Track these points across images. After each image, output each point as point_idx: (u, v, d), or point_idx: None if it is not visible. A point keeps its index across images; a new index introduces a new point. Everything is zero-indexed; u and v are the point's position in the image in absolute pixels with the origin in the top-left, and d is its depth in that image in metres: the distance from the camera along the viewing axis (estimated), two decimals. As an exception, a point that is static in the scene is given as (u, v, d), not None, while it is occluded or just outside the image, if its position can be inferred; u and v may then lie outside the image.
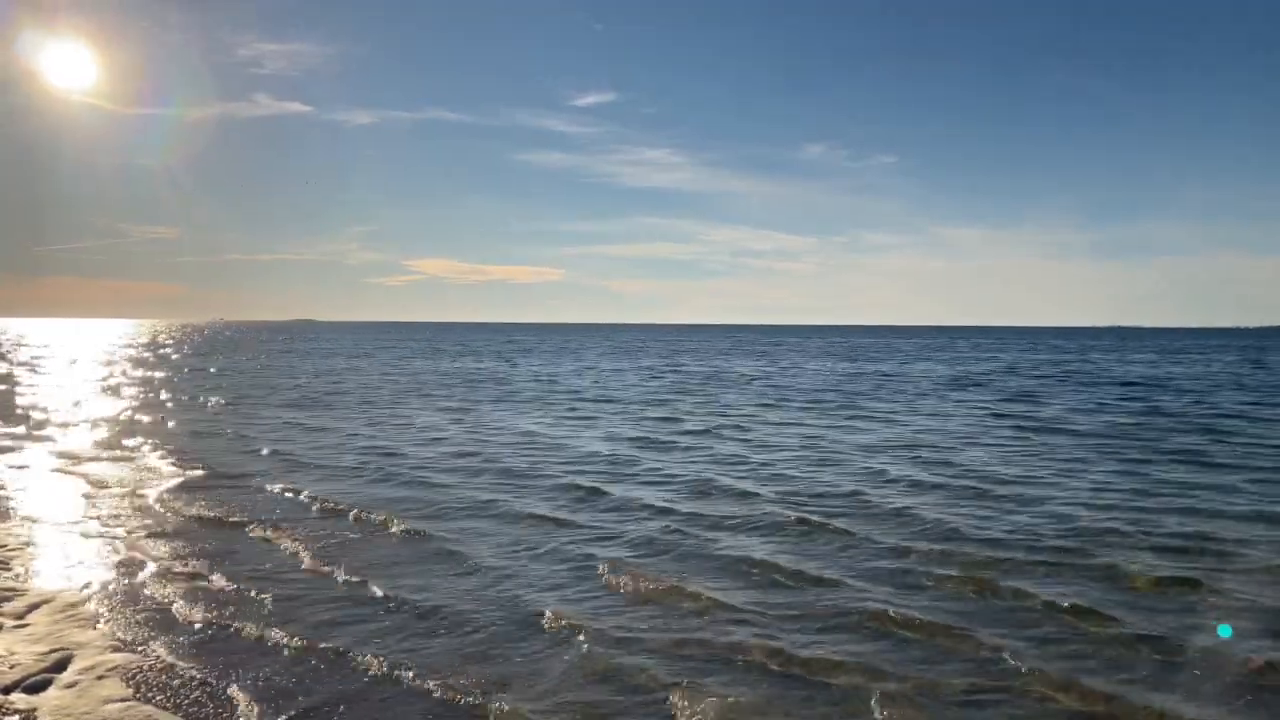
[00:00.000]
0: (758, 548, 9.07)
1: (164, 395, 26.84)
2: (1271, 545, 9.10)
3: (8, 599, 7.29)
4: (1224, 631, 6.69)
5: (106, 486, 12.15)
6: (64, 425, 19.08)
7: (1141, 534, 9.54)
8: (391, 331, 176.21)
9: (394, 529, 9.82)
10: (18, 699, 5.45)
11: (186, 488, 12.12)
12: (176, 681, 5.73)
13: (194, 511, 10.58)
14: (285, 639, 6.40)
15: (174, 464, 14.01)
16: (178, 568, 8.23)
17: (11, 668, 5.88)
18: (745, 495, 11.80)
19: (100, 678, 5.75)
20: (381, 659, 6.03)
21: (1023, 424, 20.20)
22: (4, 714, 5.23)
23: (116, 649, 6.27)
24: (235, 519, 10.23)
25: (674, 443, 16.95)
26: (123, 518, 10.26)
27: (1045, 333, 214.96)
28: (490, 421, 20.51)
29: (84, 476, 12.89)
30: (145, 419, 20.42)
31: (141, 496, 11.45)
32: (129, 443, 16.41)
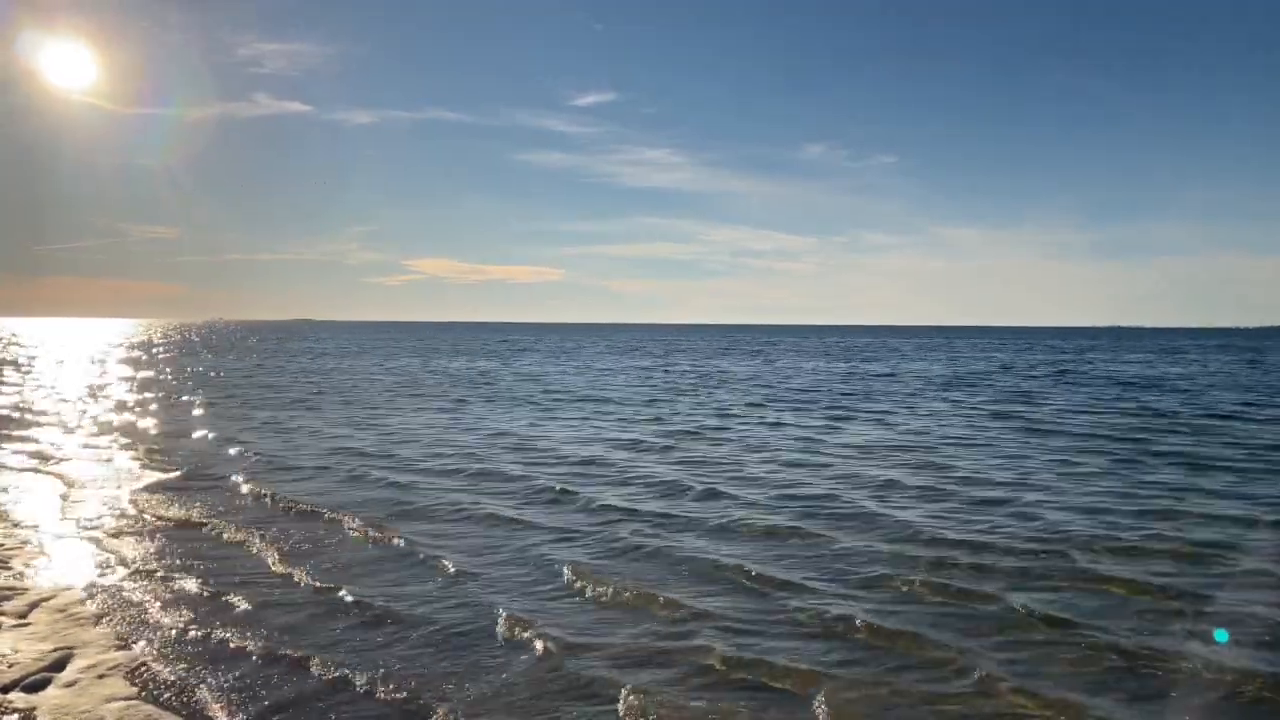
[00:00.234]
0: (725, 551, 8.94)
1: (147, 395, 26.70)
2: (1256, 551, 8.87)
3: (7, 598, 7.31)
4: (1220, 636, 6.56)
5: (84, 486, 12.09)
6: (44, 425, 18.93)
7: (1122, 538, 9.37)
8: (389, 331, 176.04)
9: (362, 531, 9.73)
10: (17, 697, 5.46)
11: (163, 488, 12.03)
12: (178, 681, 5.74)
13: (168, 512, 10.51)
14: (251, 644, 6.34)
15: (150, 464, 13.90)
16: (159, 569, 8.19)
17: (10, 666, 5.88)
18: (718, 497, 11.67)
19: (101, 676, 5.78)
20: (337, 663, 5.97)
21: (1012, 425, 20.04)
22: (4, 713, 5.24)
23: (117, 648, 6.29)
24: (210, 520, 10.14)
25: (655, 444, 16.76)
26: (105, 518, 10.22)
27: (1045, 333, 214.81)
28: (472, 422, 20.37)
29: (61, 476, 12.81)
30: (126, 419, 20.28)
31: (120, 497, 11.37)
32: (107, 442, 16.30)
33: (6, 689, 5.55)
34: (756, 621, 6.87)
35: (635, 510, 10.77)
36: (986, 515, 10.52)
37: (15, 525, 9.91)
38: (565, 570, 8.13)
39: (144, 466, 13.72)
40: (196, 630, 6.63)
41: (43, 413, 21.33)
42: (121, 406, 23.16)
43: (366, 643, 6.42)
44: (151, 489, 11.96)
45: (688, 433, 18.35)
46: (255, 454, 15.06)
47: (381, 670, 5.89)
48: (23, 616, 6.90)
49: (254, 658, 6.14)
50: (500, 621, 6.75)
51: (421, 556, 8.67)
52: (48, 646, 6.27)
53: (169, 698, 5.52)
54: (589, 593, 7.56)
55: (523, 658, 6.12)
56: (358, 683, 5.70)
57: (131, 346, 70.24)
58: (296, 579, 7.92)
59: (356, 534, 9.63)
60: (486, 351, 66.92)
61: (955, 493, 11.86)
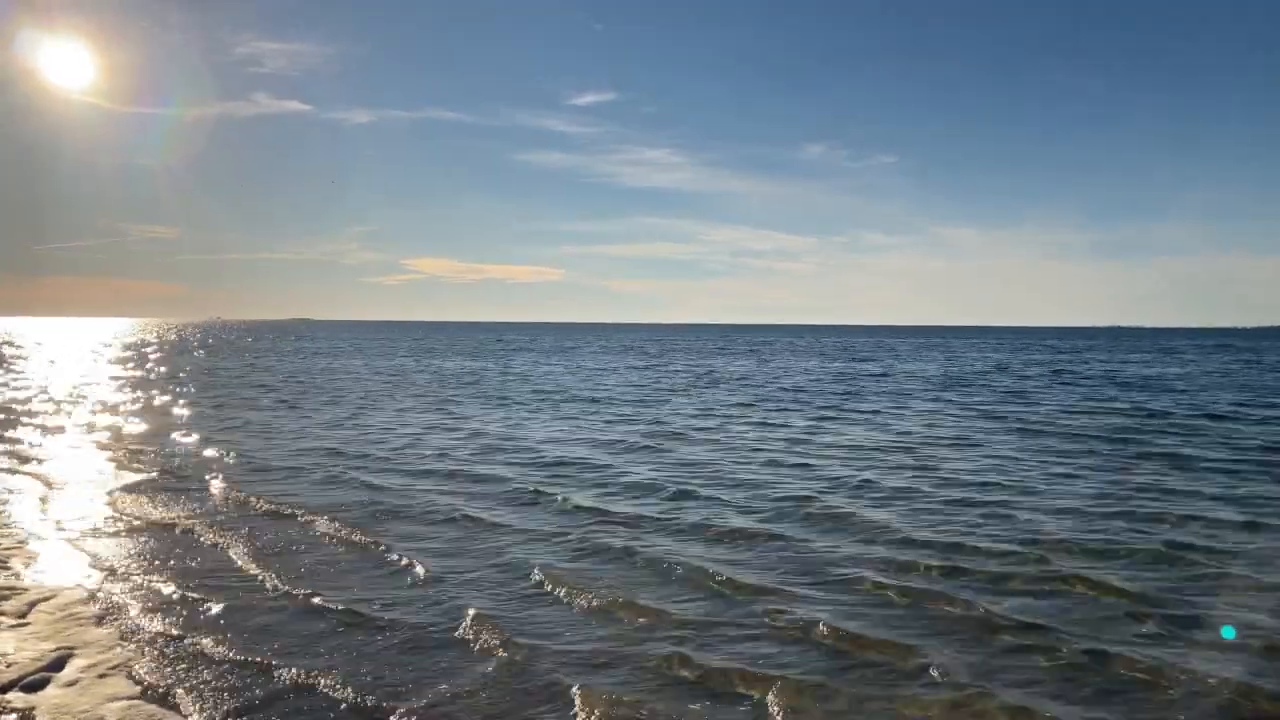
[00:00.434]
0: (695, 553, 8.85)
1: (132, 395, 26.61)
2: (1239, 555, 8.65)
3: (6, 597, 7.32)
4: (1228, 633, 6.47)
5: (66, 486, 12.05)
6: (26, 425, 18.82)
7: (1100, 541, 9.26)
8: (387, 331, 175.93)
9: (333, 532, 9.66)
10: (15, 697, 5.46)
11: (141, 489, 11.98)
12: (177, 680, 5.74)
13: (147, 514, 10.46)
14: (223, 648, 6.31)
15: (130, 465, 13.83)
16: (150, 569, 8.19)
17: (9, 666, 5.89)
18: (693, 498, 11.58)
19: (102, 676, 5.78)
20: (302, 666, 5.95)
21: (1002, 425, 19.86)
22: (4, 712, 5.23)
23: (117, 647, 6.30)
24: (185, 521, 10.08)
25: (638, 444, 16.63)
26: (97, 519, 10.18)
27: (1044, 333, 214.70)
28: (455, 422, 20.24)
29: (40, 477, 12.75)
30: (108, 419, 20.19)
31: (101, 498, 11.33)
32: (89, 442, 16.23)
33: (6, 688, 5.55)
34: (720, 624, 6.80)
35: (609, 512, 10.68)
36: (964, 516, 10.40)
37: (5, 525, 9.87)
38: (535, 572, 8.06)
39: (123, 468, 13.61)
40: (191, 630, 6.63)
41: (26, 413, 21.20)
42: (105, 406, 23.06)
43: (333, 645, 6.38)
44: (131, 490, 11.88)
45: (672, 433, 18.20)
46: (235, 454, 14.94)
47: (345, 672, 5.85)
48: (22, 616, 6.91)
49: (225, 661, 6.11)
50: (466, 624, 6.72)
51: (393, 558, 8.62)
52: (48, 646, 6.27)
53: (170, 697, 5.51)
54: (556, 595, 7.50)
55: (486, 660, 6.10)
56: (321, 685, 5.67)
57: (125, 346, 70.05)
58: (267, 581, 7.84)
59: (328, 535, 9.55)
60: (481, 351, 66.73)
61: (935, 494, 11.69)
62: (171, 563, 8.43)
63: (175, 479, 12.71)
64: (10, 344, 71.21)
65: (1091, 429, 18.93)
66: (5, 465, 13.81)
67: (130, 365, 42.93)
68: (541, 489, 11.93)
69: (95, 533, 9.53)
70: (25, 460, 14.27)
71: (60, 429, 18.24)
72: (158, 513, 10.51)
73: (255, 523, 10.11)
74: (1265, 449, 15.71)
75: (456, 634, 6.56)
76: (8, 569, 8.18)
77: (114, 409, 22.47)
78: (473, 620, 6.78)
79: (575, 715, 5.28)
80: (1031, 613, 7.03)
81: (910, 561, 8.46)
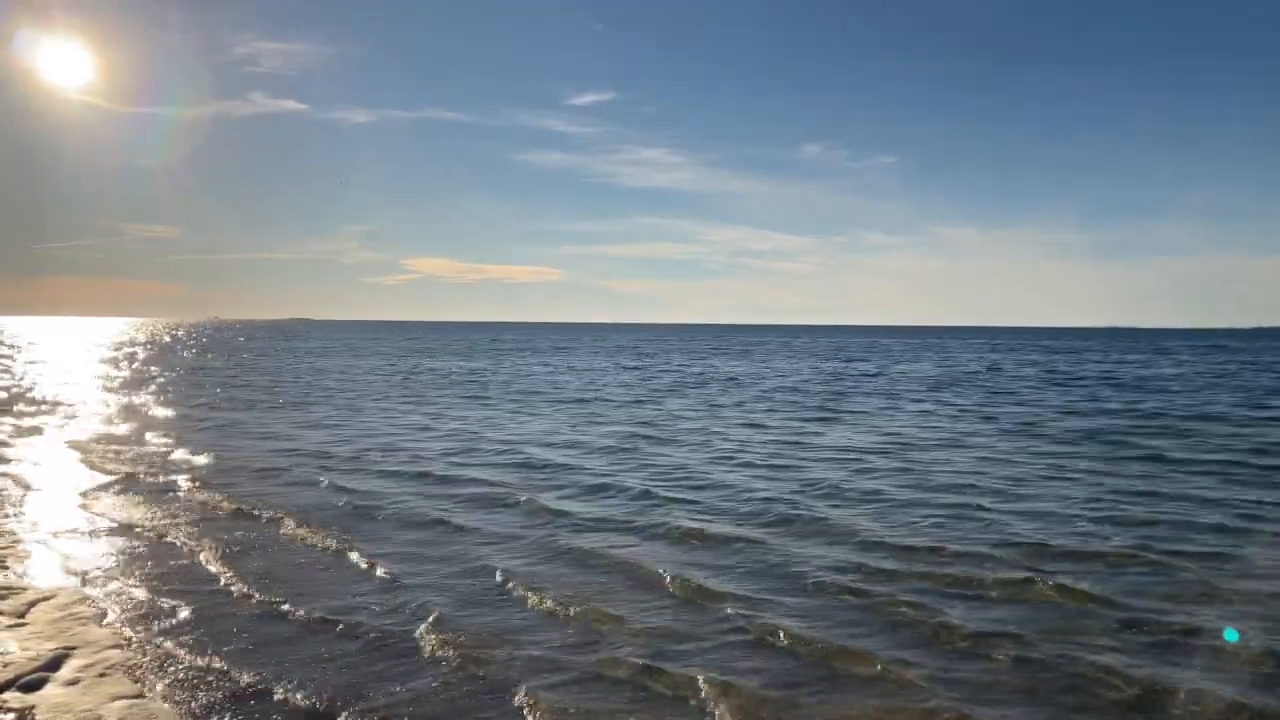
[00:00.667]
0: (659, 556, 8.73)
1: (116, 395, 26.50)
2: (1228, 562, 8.43)
3: (3, 597, 7.33)
4: (1231, 635, 6.33)
5: (40, 490, 11.94)
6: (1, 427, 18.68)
7: (1075, 546, 9.03)
8: (385, 331, 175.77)
9: (301, 534, 9.59)
10: (12, 696, 5.45)
11: (112, 490, 11.89)
12: (179, 681, 5.76)
13: (114, 515, 10.38)
14: (184, 653, 6.27)
15: (102, 465, 13.73)
16: (103, 577, 8.08)
17: (5, 666, 5.90)
18: (665, 501, 11.39)
19: (101, 675, 5.79)
20: (259, 670, 5.92)
21: (991, 426, 19.68)
22: (4, 711, 5.24)
23: (116, 647, 6.30)
24: (149, 524, 9.98)
25: (615, 446, 16.45)
26: (59, 521, 10.11)
27: (1044, 333, 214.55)
28: (434, 423, 20.19)
29: (16, 478, 12.66)
30: (89, 420, 20.12)
31: (75, 499, 11.29)
32: (65, 442, 16.15)
33: (3, 687, 5.56)
34: (679, 630, 6.70)
35: (580, 514, 10.56)
36: (942, 521, 10.28)
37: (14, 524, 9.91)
38: (498, 575, 8.01)
39: (96, 469, 13.50)
40: (155, 636, 6.58)
41: (5, 413, 21.02)
42: (85, 406, 22.96)
43: (291, 649, 6.34)
44: (100, 491, 11.81)
45: (653, 436, 18.01)
46: (210, 456, 14.79)
47: (300, 676, 5.83)
48: (21, 615, 6.94)
49: (191, 666, 6.06)
50: (424, 627, 6.69)
51: (358, 561, 8.55)
52: (49, 645, 6.28)
53: (169, 697, 5.53)
54: (517, 599, 7.43)
55: (439, 664, 6.07)
56: (276, 689, 5.64)
57: (118, 346, 69.82)
58: (232, 585, 7.78)
59: (294, 538, 9.47)
60: (476, 351, 66.55)
61: (914, 498, 11.51)
62: (139, 566, 8.34)
63: (147, 481, 12.58)
64: (2, 344, 70.93)
65: (1079, 430, 18.78)
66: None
67: (118, 365, 42.78)
68: (513, 491, 11.81)
69: (61, 535, 9.45)
70: (2, 461, 14.14)
71: (39, 429, 18.10)
72: (126, 515, 10.41)
73: (223, 525, 10.00)
74: (1255, 451, 15.49)
75: (414, 637, 6.52)
76: (5, 569, 8.23)
77: (93, 410, 22.34)
78: (431, 624, 6.75)
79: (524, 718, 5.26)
80: (1003, 621, 6.87)
81: (880, 567, 8.30)
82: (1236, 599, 7.30)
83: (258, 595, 7.49)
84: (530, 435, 17.93)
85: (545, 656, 6.19)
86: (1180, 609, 7.07)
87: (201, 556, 8.66)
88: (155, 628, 6.71)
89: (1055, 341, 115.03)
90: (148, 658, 6.13)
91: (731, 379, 36.64)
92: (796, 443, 16.81)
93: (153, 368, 40.95)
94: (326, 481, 12.43)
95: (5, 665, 5.92)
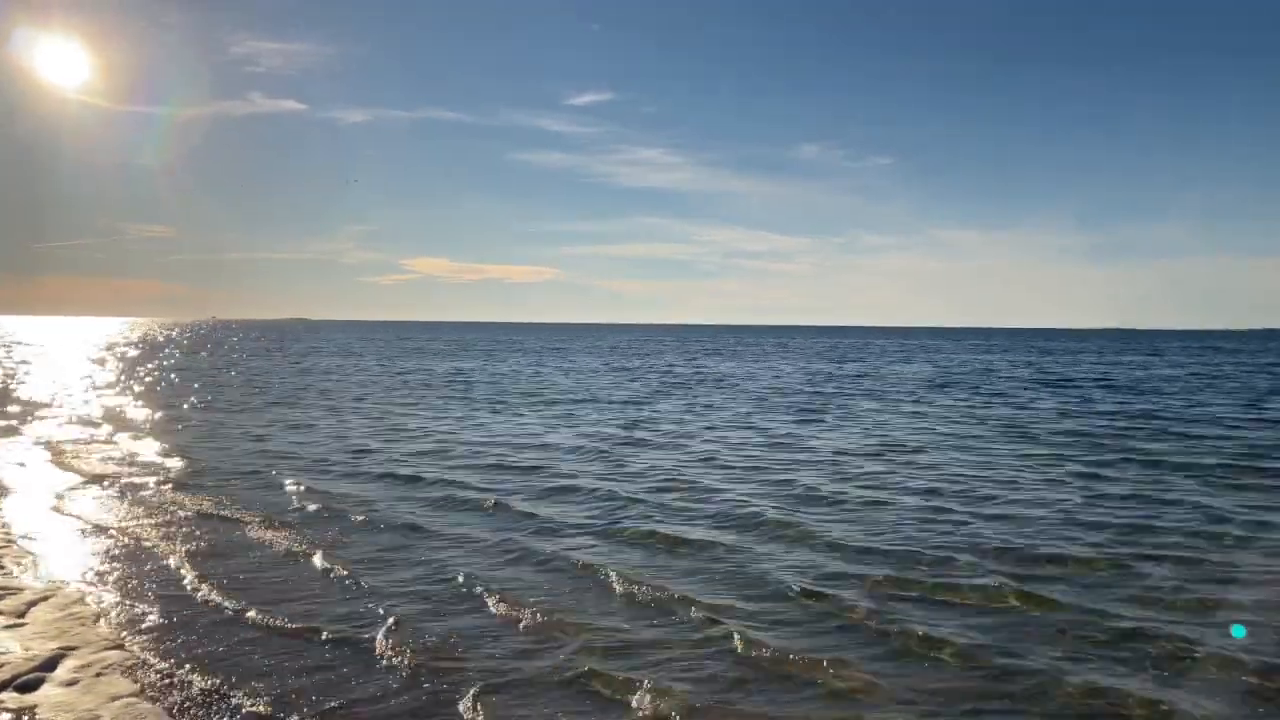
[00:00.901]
0: (629, 562, 8.63)
1: (98, 396, 26.40)
2: (1210, 569, 8.22)
3: (2, 597, 7.33)
4: (1238, 632, 6.23)
5: (17, 493, 11.88)
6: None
7: (1051, 553, 8.81)
8: (382, 331, 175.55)
9: (266, 537, 9.54)
10: (9, 696, 5.44)
11: (84, 493, 11.84)
12: (179, 681, 5.78)
13: (87, 517, 10.38)
14: (149, 655, 6.26)
15: (75, 467, 13.68)
16: (74, 580, 8.05)
17: (3, 666, 5.89)
18: (639, 505, 11.27)
19: (100, 674, 5.81)
20: (218, 674, 5.91)
21: (980, 428, 19.51)
22: (3, 710, 5.24)
23: (114, 646, 6.32)
24: (123, 525, 9.96)
25: (594, 448, 16.41)
26: (29, 524, 10.07)
27: (1043, 334, 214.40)
28: (413, 424, 20.13)
29: None
30: (64, 422, 20.06)
31: (44, 503, 11.22)
32: (40, 445, 16.06)
33: (2, 687, 5.57)
34: (638, 636, 6.63)
35: (548, 518, 10.45)
36: (910, 523, 10.16)
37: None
38: (460, 579, 7.95)
39: (68, 470, 13.46)
40: (117, 640, 6.55)
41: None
42: (66, 407, 22.92)
43: (249, 654, 6.32)
44: (71, 493, 11.77)
45: (632, 438, 17.84)
46: (183, 458, 14.69)
47: (254, 682, 5.80)
48: (21, 615, 6.94)
49: (147, 667, 6.04)
50: (382, 632, 6.64)
51: (318, 564, 8.49)
52: (50, 645, 6.30)
53: (168, 696, 5.54)
54: (477, 603, 7.38)
55: (393, 670, 6.04)
56: (233, 695, 5.61)
57: (109, 346, 69.61)
58: (197, 591, 7.71)
59: (258, 542, 9.41)
60: (469, 352, 66.33)
61: (888, 501, 11.35)
62: (117, 568, 8.32)
63: (119, 482, 12.49)
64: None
65: (1066, 432, 18.66)
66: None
67: (105, 366, 42.64)
68: (483, 494, 11.70)
69: (60, 535, 9.54)
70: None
71: (15, 430, 17.98)
72: (97, 517, 10.35)
73: (189, 528, 9.92)
74: (1245, 454, 15.33)
75: (372, 642, 6.48)
76: (15, 566, 8.30)
77: (75, 410, 22.25)
78: (389, 628, 6.72)
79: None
80: (963, 628, 6.76)
81: (844, 571, 8.21)
82: (1218, 606, 7.19)
83: (220, 599, 7.44)
84: (507, 437, 17.79)
85: (501, 661, 6.16)
86: (1153, 615, 6.95)
87: (170, 561, 8.61)
88: (117, 634, 6.65)
89: (1052, 343, 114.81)
90: (135, 659, 6.14)
91: (721, 380, 36.47)
92: (779, 445, 16.65)
93: (140, 368, 40.77)
94: (300, 485, 12.33)
95: (3, 665, 5.93)
